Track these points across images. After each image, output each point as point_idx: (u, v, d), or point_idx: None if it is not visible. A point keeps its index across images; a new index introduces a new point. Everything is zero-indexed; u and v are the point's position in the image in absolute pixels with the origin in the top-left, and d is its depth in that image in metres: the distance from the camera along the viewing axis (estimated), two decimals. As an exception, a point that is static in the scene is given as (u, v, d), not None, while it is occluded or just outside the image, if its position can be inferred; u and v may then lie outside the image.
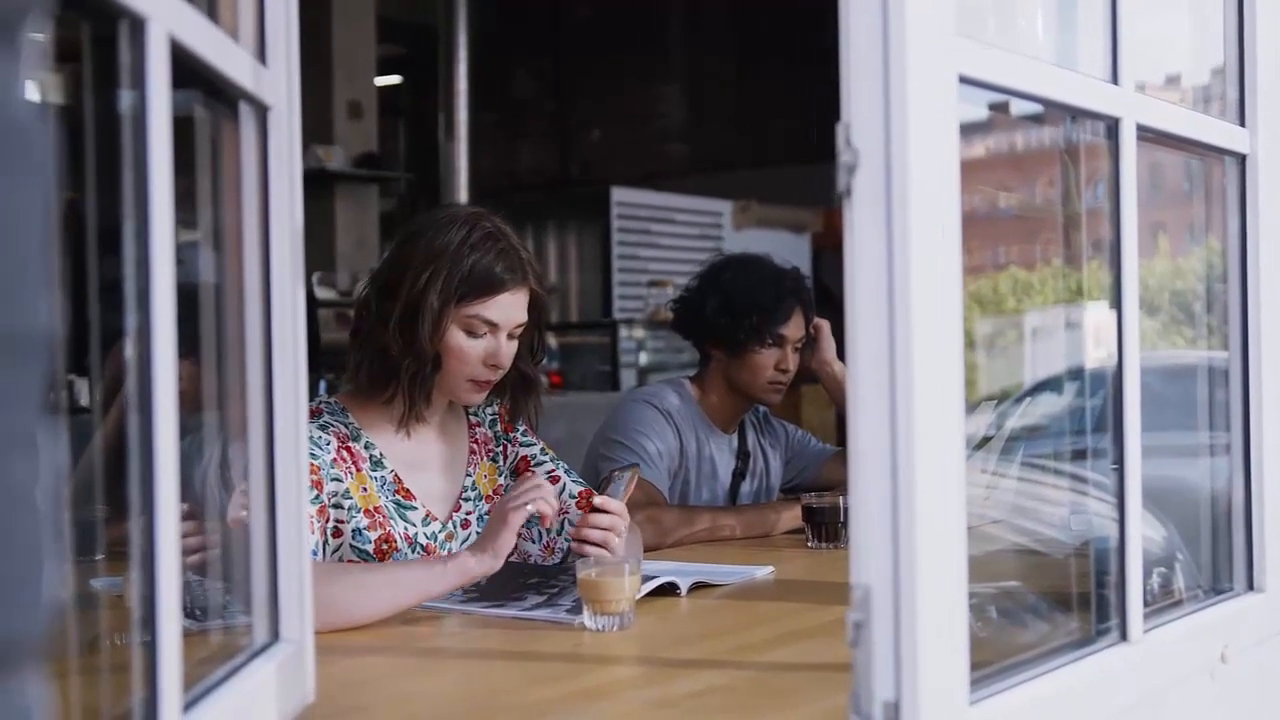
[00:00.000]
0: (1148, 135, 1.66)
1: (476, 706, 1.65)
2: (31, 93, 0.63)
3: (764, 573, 2.47)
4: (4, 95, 0.60)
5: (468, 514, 2.42)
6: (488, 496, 2.46)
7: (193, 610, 1.40)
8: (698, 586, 2.30)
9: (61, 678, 0.98)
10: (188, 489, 1.13)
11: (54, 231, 0.64)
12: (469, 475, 2.45)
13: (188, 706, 1.14)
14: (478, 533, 2.39)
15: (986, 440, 2.38)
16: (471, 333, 2.28)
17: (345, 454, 2.27)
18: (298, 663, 1.48)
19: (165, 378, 1.07)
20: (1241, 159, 1.92)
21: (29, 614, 0.62)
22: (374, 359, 2.31)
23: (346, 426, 2.32)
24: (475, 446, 2.48)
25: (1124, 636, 1.59)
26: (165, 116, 1.07)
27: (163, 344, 1.06)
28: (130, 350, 1.07)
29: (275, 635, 1.45)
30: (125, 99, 1.07)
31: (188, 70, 1.17)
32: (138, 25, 1.05)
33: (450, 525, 2.39)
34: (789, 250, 6.62)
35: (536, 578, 2.24)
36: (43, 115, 0.64)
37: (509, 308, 2.30)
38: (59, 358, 0.66)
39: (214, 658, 1.37)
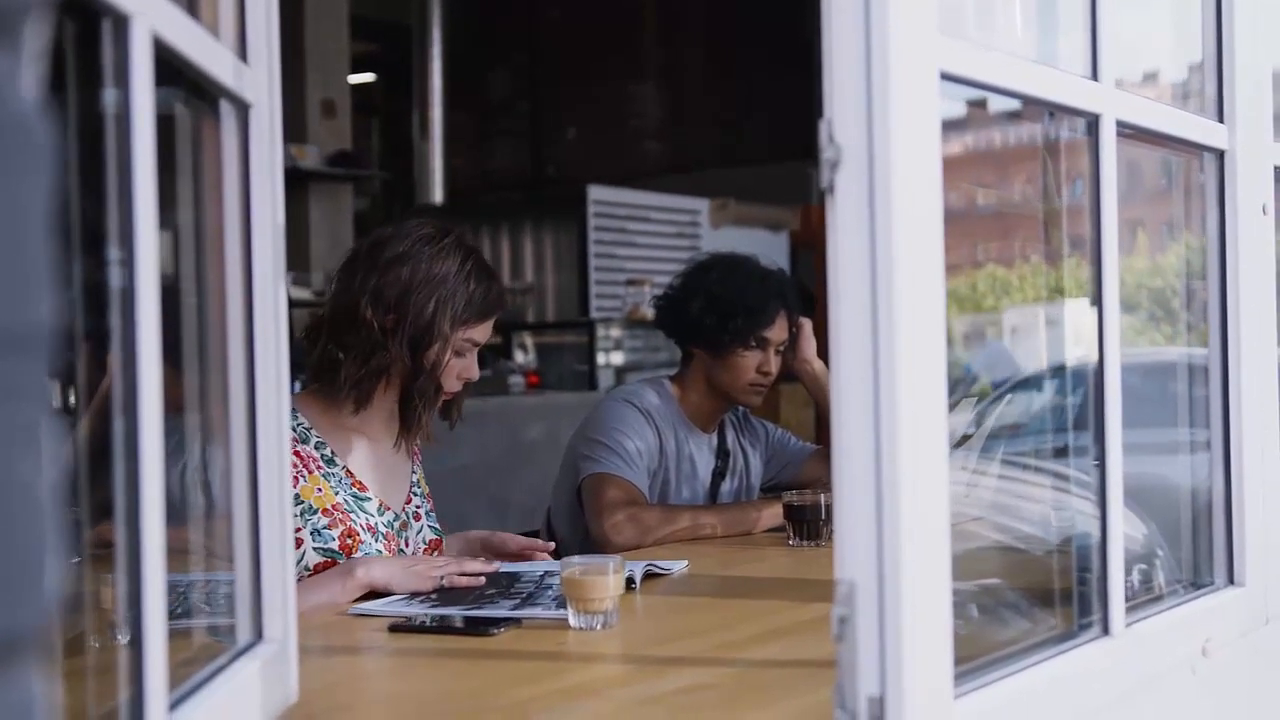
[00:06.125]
0: (1127, 131, 1.67)
1: (460, 706, 1.64)
2: (32, 90, 0.63)
3: (679, 567, 2.49)
4: (5, 92, 0.60)
5: (417, 507, 2.56)
6: (427, 495, 2.61)
7: (174, 610, 1.40)
8: (649, 576, 2.36)
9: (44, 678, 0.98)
10: (167, 491, 1.13)
11: (54, 228, 0.64)
12: (414, 473, 2.59)
13: (173, 706, 1.14)
14: (429, 525, 2.57)
15: (966, 438, 2.39)
16: (458, 353, 2.43)
17: (295, 458, 2.30)
18: (281, 662, 1.47)
19: (150, 379, 1.06)
20: (1220, 154, 1.92)
21: (33, 608, 0.62)
22: (374, 374, 2.39)
23: (295, 429, 2.36)
24: (415, 449, 2.61)
25: (1106, 630, 1.60)
26: (149, 114, 1.07)
27: (147, 345, 1.06)
28: (112, 351, 1.07)
29: (258, 635, 1.45)
30: (108, 96, 1.06)
31: (168, 67, 1.16)
32: (121, 23, 1.04)
33: (404, 515, 2.51)
34: (766, 249, 6.61)
35: (493, 589, 2.22)
36: (43, 112, 0.64)
37: (490, 329, 2.49)
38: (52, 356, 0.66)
39: (197, 658, 1.37)
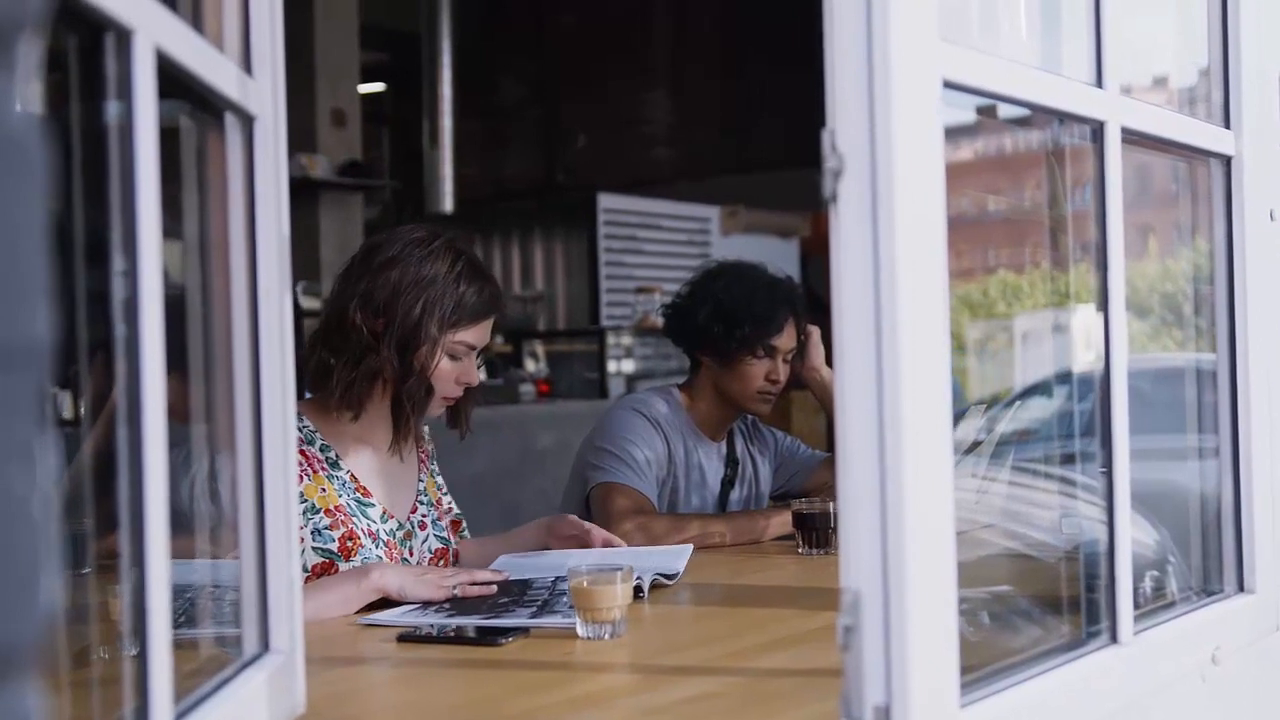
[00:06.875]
0: (1133, 138, 1.67)
1: (468, 716, 1.64)
2: (27, 104, 0.63)
3: (685, 552, 2.55)
4: (0, 108, 0.61)
5: (423, 517, 2.56)
6: (435, 503, 2.61)
7: (179, 619, 1.40)
8: (656, 586, 2.36)
9: (52, 690, 0.98)
10: (176, 502, 1.13)
11: (49, 242, 0.64)
12: (420, 481, 2.59)
13: (178, 717, 1.14)
14: (435, 535, 2.56)
15: (976, 444, 2.39)
16: (453, 356, 2.43)
17: (300, 457, 2.31)
18: (288, 673, 1.47)
19: (154, 390, 1.06)
20: (1227, 161, 1.92)
21: (27, 622, 0.62)
22: (365, 378, 2.39)
23: (301, 431, 2.37)
24: (423, 457, 2.63)
25: (1114, 638, 1.59)
26: (152, 127, 1.07)
27: (151, 356, 1.06)
28: (117, 362, 1.07)
29: (265, 646, 1.45)
30: (111, 109, 1.06)
31: (173, 80, 1.16)
32: (124, 37, 1.04)
33: (409, 525, 2.51)
34: (776, 256, 6.63)
35: (506, 599, 2.22)
36: (38, 127, 0.64)
37: (487, 332, 2.48)
38: (50, 369, 0.66)
39: (204, 668, 1.37)
